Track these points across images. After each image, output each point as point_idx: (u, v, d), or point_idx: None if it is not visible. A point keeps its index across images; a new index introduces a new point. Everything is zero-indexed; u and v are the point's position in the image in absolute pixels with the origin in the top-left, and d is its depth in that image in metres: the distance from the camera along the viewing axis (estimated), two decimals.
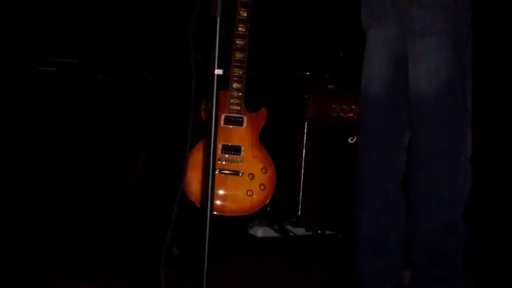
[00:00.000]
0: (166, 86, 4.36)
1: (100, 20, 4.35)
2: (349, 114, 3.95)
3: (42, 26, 4.24)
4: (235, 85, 3.75)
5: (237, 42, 3.73)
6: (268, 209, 3.80)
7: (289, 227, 4.02)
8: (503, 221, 3.84)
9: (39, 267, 3.16)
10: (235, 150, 3.76)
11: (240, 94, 3.77)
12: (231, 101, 3.77)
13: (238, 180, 3.72)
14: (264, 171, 3.75)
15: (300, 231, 4.00)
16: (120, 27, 4.38)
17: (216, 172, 3.55)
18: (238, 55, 3.74)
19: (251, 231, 4.00)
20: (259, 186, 3.73)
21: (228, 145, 3.76)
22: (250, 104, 3.82)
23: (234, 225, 3.77)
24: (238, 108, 3.77)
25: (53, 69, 4.22)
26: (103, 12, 4.36)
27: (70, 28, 4.30)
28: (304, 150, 3.93)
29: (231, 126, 3.78)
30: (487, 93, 3.70)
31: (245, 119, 3.80)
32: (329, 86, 4.09)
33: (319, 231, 3.97)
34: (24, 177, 4.05)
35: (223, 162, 3.73)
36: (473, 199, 2.62)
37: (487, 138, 3.66)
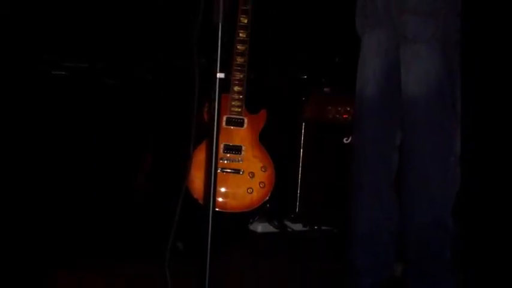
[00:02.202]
0: (170, 89, 4.33)
1: (103, 25, 4.33)
2: (344, 116, 3.95)
3: (54, 33, 4.25)
4: (236, 88, 3.78)
5: (238, 47, 3.75)
6: (268, 205, 3.82)
7: (287, 223, 4.04)
8: (492, 221, 3.76)
9: (49, 263, 3.18)
10: (236, 149, 3.80)
11: (241, 96, 3.80)
12: (232, 103, 3.80)
13: (239, 179, 3.77)
14: (263, 170, 3.79)
15: (298, 226, 4.02)
16: (123, 31, 4.36)
17: (218, 171, 3.58)
18: (239, 59, 3.77)
19: (251, 227, 4.02)
20: (259, 184, 3.77)
21: (230, 145, 3.80)
22: (251, 105, 3.85)
23: (235, 221, 3.80)
24: (239, 110, 3.81)
25: (63, 73, 4.21)
26: (105, 16, 4.34)
27: (80, 34, 4.30)
28: (301, 150, 3.95)
29: (232, 127, 3.82)
30: (481, 97, 3.75)
31: (246, 120, 3.83)
32: (325, 89, 4.08)
33: (315, 227, 3.98)
34: (34, 176, 4.05)
35: (225, 161, 3.77)
36: (463, 200, 2.66)
37: (477, 139, 3.60)
